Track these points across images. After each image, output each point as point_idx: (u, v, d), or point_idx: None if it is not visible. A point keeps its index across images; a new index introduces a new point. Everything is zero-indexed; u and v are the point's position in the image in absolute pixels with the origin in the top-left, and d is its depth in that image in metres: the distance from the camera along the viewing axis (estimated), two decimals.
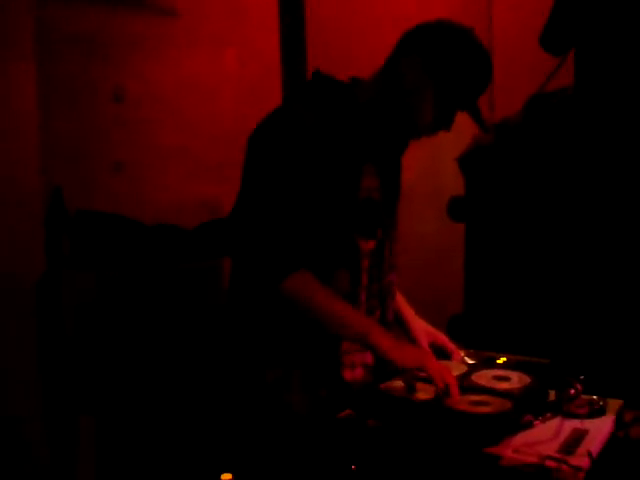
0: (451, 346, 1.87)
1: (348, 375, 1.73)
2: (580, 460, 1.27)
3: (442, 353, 1.84)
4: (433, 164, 3.43)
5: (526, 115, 2.71)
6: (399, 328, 1.94)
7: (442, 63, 1.68)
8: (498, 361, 1.77)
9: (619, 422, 1.47)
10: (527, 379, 1.59)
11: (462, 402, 1.48)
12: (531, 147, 2.64)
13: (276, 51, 2.92)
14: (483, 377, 1.63)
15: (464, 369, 1.70)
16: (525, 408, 1.46)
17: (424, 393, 1.54)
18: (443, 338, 1.90)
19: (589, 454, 1.29)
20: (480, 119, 1.77)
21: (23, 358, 2.22)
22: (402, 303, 1.98)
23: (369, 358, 1.77)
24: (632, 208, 2.29)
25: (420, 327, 1.94)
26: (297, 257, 1.62)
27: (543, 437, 1.38)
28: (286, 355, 1.69)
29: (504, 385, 1.57)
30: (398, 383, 1.58)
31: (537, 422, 1.44)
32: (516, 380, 1.60)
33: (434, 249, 3.37)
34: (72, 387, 2.25)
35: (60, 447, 2.24)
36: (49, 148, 2.35)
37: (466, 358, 1.81)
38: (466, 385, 1.57)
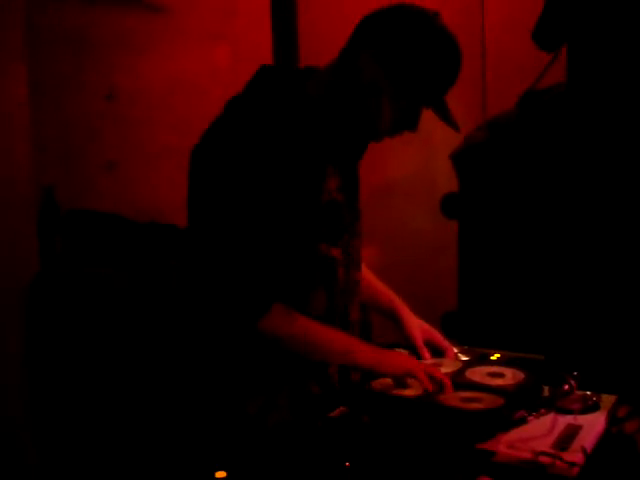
0: (445, 344, 1.85)
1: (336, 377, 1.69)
2: (574, 456, 1.27)
3: (437, 351, 1.84)
4: (426, 161, 3.43)
5: (519, 112, 2.70)
6: (394, 325, 1.93)
7: (397, 54, 1.49)
8: (492, 357, 1.77)
9: (613, 417, 1.47)
10: (521, 375, 1.59)
11: (453, 398, 1.48)
12: (524, 144, 2.64)
13: (268, 47, 2.92)
14: (477, 373, 1.63)
15: (458, 365, 1.70)
16: (517, 404, 1.46)
17: (414, 389, 1.54)
18: (438, 336, 1.87)
19: (583, 450, 1.29)
20: (448, 117, 1.57)
21: (15, 359, 2.21)
22: (396, 300, 1.93)
23: None
24: (626, 204, 2.29)
25: (415, 324, 1.89)
26: (269, 293, 1.48)
27: (537, 433, 1.38)
28: (265, 381, 1.59)
29: (498, 381, 1.57)
30: (388, 380, 1.58)
31: (531, 418, 1.44)
32: (510, 376, 1.60)
33: (428, 246, 3.36)
34: (64, 388, 2.24)
35: (48, 448, 2.23)
36: (41, 148, 2.34)
37: (460, 355, 1.81)
38: (459, 381, 1.56)
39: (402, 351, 1.81)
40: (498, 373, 1.62)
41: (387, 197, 3.30)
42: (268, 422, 1.57)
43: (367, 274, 1.92)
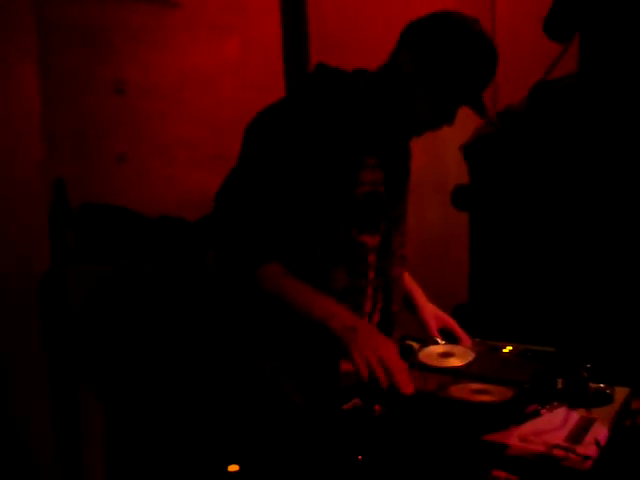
0: (460, 331, 1.86)
1: (344, 366, 1.70)
2: (588, 449, 1.27)
3: (452, 337, 1.85)
4: (437, 153, 3.42)
5: (530, 103, 2.69)
6: (409, 312, 1.93)
7: (437, 57, 1.61)
8: (504, 350, 1.77)
9: (626, 410, 1.47)
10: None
11: (463, 391, 1.47)
12: (535, 135, 2.63)
13: (278, 39, 2.91)
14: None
15: (470, 357, 1.68)
16: (527, 397, 1.46)
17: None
18: (452, 323, 1.89)
19: (597, 442, 1.28)
20: (485, 114, 1.70)
21: (28, 356, 2.22)
22: (413, 287, 1.97)
23: None
24: (636, 197, 2.28)
25: (430, 311, 1.93)
26: (269, 248, 1.62)
27: (550, 426, 1.37)
28: (281, 348, 1.68)
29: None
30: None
31: (544, 411, 1.44)
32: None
33: (439, 238, 3.36)
34: (77, 382, 2.25)
35: (65, 447, 2.24)
36: (52, 142, 2.34)
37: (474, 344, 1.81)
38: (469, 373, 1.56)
39: (411, 343, 1.80)
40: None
41: None
42: (283, 387, 1.65)
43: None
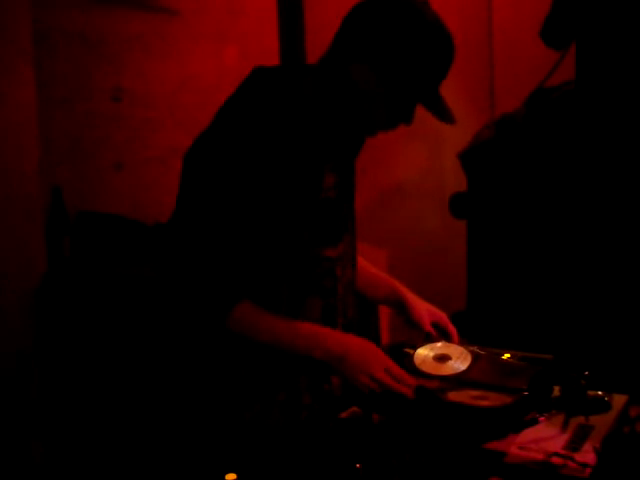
0: (452, 327, 1.81)
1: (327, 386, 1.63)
2: (586, 456, 1.27)
3: (445, 333, 1.82)
4: (434, 160, 3.42)
5: (527, 110, 2.69)
6: (396, 309, 1.86)
7: (383, 47, 1.44)
8: (502, 357, 1.76)
9: (625, 417, 1.46)
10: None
11: (462, 396, 1.47)
12: (533, 142, 2.63)
13: (275, 47, 2.92)
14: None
15: (467, 361, 1.66)
16: (527, 403, 1.45)
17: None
18: (445, 318, 1.83)
19: (595, 450, 1.28)
20: (442, 111, 1.50)
21: (24, 361, 2.21)
22: (397, 285, 1.86)
23: None
24: (634, 204, 2.28)
25: (421, 307, 1.83)
26: (238, 287, 1.44)
27: (548, 434, 1.37)
28: (260, 387, 1.56)
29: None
30: None
31: (542, 418, 1.43)
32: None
33: (436, 245, 3.36)
34: (72, 388, 2.24)
35: (57, 452, 2.24)
36: (49, 149, 2.34)
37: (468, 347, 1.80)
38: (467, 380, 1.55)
39: (409, 350, 1.79)
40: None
41: (396, 197, 3.30)
42: (265, 427, 1.54)
43: (362, 262, 1.84)
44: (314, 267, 1.56)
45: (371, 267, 1.90)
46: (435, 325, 1.82)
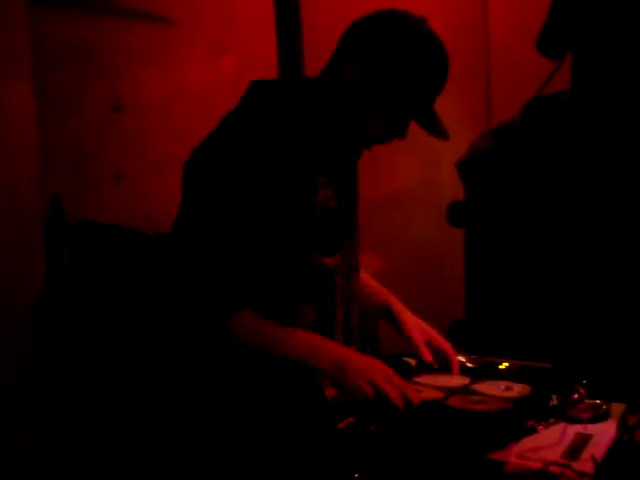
0: (446, 346, 1.76)
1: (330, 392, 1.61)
2: (584, 465, 1.27)
3: (440, 364, 1.76)
4: (432, 170, 3.43)
5: (524, 119, 2.70)
6: (391, 325, 1.84)
7: (378, 63, 1.47)
8: (500, 366, 1.76)
9: (623, 426, 1.46)
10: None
11: (461, 402, 1.48)
12: (530, 151, 2.64)
13: (273, 56, 2.93)
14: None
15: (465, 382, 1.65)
16: (526, 410, 1.46)
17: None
18: (438, 337, 1.78)
19: (593, 459, 1.28)
20: (435, 127, 1.54)
21: (22, 374, 2.21)
22: (391, 299, 1.85)
23: None
24: (633, 212, 2.29)
25: (412, 323, 1.80)
26: (237, 295, 1.47)
27: (547, 442, 1.37)
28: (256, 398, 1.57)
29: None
30: None
31: (540, 427, 1.44)
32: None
33: (434, 255, 3.36)
34: (71, 401, 2.24)
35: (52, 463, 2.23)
36: (48, 159, 2.34)
37: (468, 364, 1.80)
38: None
39: (408, 360, 1.79)
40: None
41: (393, 206, 3.30)
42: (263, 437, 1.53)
43: (361, 274, 1.84)
44: (309, 275, 1.58)
45: (370, 279, 1.90)
46: (428, 344, 1.78)
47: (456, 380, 1.68)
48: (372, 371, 1.46)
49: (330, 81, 1.55)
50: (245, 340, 1.50)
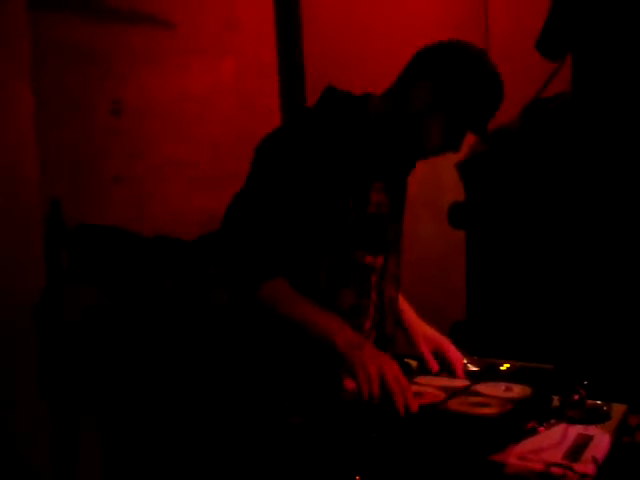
0: (453, 355, 1.79)
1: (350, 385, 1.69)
2: (586, 466, 1.27)
3: (446, 369, 1.77)
4: (432, 171, 3.42)
5: (523, 121, 2.71)
6: (402, 333, 1.91)
7: (452, 88, 1.67)
8: (501, 368, 1.76)
9: (624, 427, 1.47)
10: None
11: (462, 404, 1.47)
12: (529, 152, 2.64)
13: (273, 60, 2.93)
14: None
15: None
16: (527, 411, 1.45)
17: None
18: (446, 345, 1.82)
19: (594, 460, 1.28)
20: (486, 138, 1.85)
21: (25, 375, 2.21)
22: (405, 307, 1.94)
23: None
24: (633, 214, 2.29)
25: (421, 332, 1.87)
26: (274, 265, 1.62)
27: (548, 444, 1.37)
28: (281, 363, 1.68)
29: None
30: None
31: (541, 428, 1.44)
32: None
33: (435, 256, 3.36)
34: (74, 402, 2.24)
35: (63, 465, 2.23)
36: (47, 162, 2.34)
37: (469, 365, 1.79)
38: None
39: (410, 361, 1.80)
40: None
41: None
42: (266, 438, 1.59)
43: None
44: (352, 264, 1.73)
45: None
46: (436, 353, 1.81)
47: (457, 381, 1.68)
48: (384, 364, 1.49)
49: (401, 96, 1.72)
50: (274, 305, 1.62)
